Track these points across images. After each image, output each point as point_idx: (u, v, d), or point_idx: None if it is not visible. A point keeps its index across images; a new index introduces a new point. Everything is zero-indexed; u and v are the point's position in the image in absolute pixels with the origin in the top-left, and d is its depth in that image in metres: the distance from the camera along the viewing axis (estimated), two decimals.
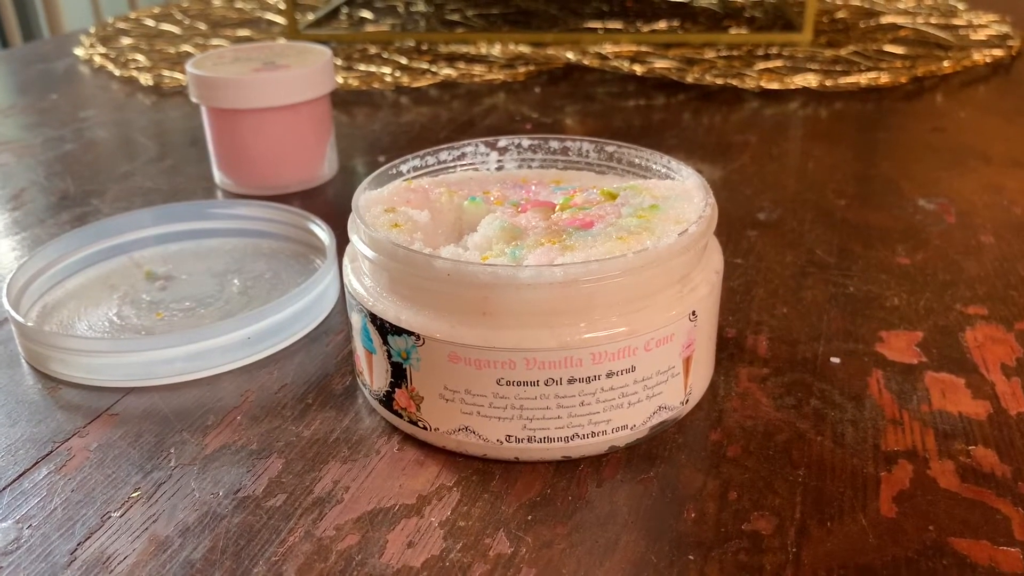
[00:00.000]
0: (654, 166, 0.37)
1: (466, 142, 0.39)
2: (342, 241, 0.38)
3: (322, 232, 0.43)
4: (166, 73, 0.80)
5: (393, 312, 0.30)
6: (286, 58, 0.54)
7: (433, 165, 0.39)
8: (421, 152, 0.38)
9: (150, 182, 0.57)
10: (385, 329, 0.31)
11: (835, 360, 0.37)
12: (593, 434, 0.31)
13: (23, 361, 0.38)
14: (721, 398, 0.35)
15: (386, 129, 0.67)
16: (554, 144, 0.40)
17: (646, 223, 0.31)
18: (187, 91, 0.76)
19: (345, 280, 0.33)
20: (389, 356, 0.31)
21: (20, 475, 0.32)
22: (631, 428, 0.31)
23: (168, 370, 0.36)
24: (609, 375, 0.30)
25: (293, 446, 0.33)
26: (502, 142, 0.40)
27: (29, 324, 0.37)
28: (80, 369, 0.36)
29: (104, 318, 0.41)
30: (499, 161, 0.40)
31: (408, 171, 0.38)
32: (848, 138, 0.62)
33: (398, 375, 0.31)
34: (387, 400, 0.32)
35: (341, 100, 0.73)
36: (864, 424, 0.33)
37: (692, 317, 0.31)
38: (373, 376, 0.33)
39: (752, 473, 0.31)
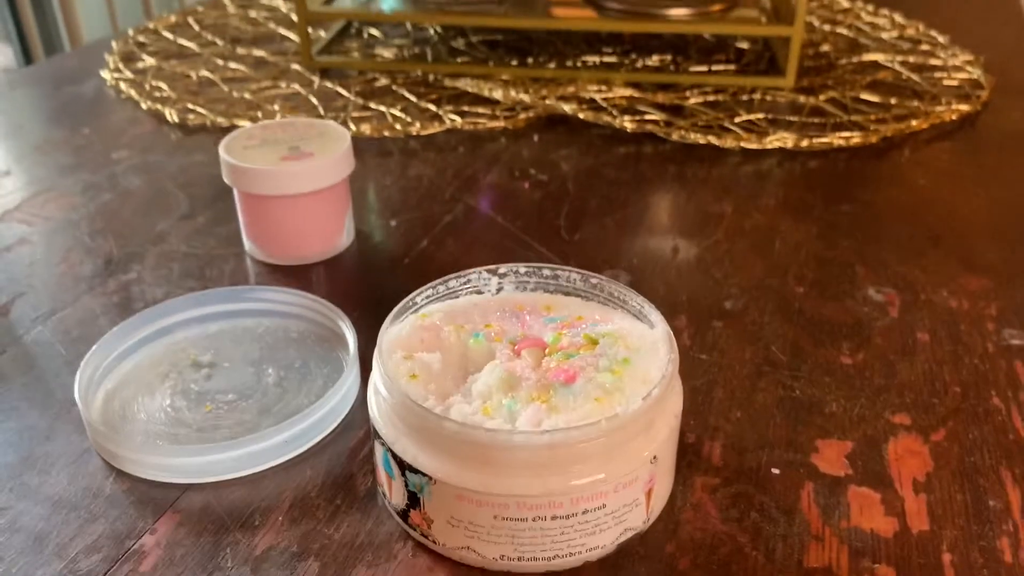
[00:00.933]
0: (629, 302, 0.44)
1: (471, 271, 0.46)
2: (359, 327, 0.48)
3: (348, 332, 0.50)
4: (190, 106, 0.86)
5: (411, 454, 0.38)
6: (310, 143, 0.61)
7: (443, 293, 0.45)
8: (434, 283, 0.45)
9: (185, 246, 0.64)
10: (404, 464, 0.38)
11: (775, 471, 0.44)
12: (570, 553, 0.38)
13: (94, 452, 0.46)
14: (678, 508, 0.42)
15: (396, 184, 0.73)
16: (546, 272, 0.46)
17: (618, 382, 0.38)
18: (209, 127, 0.82)
19: (370, 413, 0.40)
20: (406, 485, 0.38)
21: (107, 571, 0.39)
22: (602, 547, 0.39)
23: (218, 469, 0.44)
24: (584, 512, 0.37)
25: (327, 549, 0.40)
26: (502, 269, 0.46)
27: (101, 428, 0.44)
28: (144, 466, 0.44)
29: (159, 409, 0.48)
30: (499, 284, 0.47)
31: (422, 301, 0.45)
32: (815, 211, 0.68)
33: (413, 500, 0.39)
34: (404, 515, 0.40)
35: (354, 147, 0.79)
36: (792, 539, 0.40)
37: (653, 460, 0.38)
38: (392, 494, 0.40)
39: None
